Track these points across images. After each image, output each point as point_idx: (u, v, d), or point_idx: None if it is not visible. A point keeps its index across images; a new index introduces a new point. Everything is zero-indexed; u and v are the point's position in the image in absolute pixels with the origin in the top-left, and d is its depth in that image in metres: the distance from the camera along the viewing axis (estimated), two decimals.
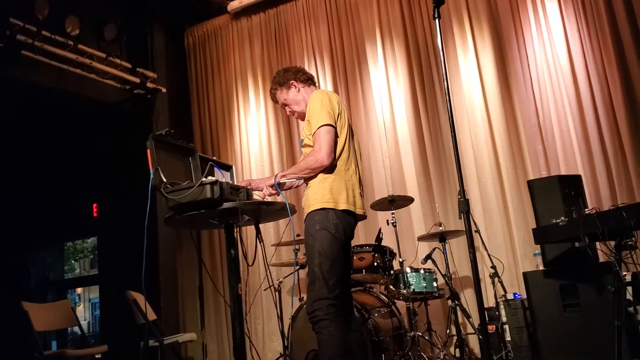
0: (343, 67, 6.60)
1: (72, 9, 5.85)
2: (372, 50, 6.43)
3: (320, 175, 3.01)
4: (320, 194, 2.96)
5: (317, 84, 3.48)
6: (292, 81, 3.34)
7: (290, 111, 3.41)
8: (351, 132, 3.23)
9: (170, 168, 3.01)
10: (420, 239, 5.35)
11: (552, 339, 4.06)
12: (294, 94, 3.35)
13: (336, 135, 3.03)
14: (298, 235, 4.79)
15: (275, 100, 3.46)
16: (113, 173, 6.82)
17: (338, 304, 2.82)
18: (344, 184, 3.00)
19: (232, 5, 7.18)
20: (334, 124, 3.02)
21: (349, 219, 3.00)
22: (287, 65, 6.76)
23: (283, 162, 6.74)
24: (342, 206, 2.95)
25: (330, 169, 3.00)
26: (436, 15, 2.60)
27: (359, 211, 3.07)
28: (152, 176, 2.78)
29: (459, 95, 5.92)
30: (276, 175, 3.03)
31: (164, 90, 6.84)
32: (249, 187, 3.01)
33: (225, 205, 2.78)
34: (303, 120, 3.23)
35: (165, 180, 2.81)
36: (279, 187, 3.01)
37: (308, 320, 2.84)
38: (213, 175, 2.99)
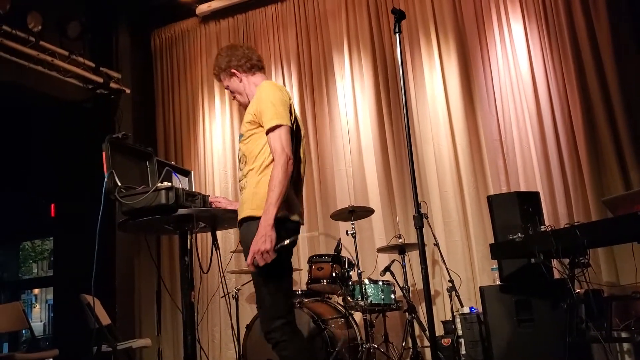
0: (309, 76, 6.60)
1: (35, 5, 5.73)
2: (339, 59, 6.44)
3: (255, 177, 2.70)
4: (254, 200, 2.66)
5: (264, 68, 3.11)
6: (233, 70, 2.99)
7: (232, 97, 3.10)
8: (300, 132, 2.91)
9: (127, 172, 2.96)
10: (380, 250, 5.36)
11: (506, 353, 4.10)
12: (236, 84, 3.02)
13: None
14: None
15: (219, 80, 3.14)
16: (72, 173, 6.67)
17: (292, 320, 2.67)
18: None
19: (201, 9, 7.12)
20: (291, 125, 2.73)
21: (292, 224, 2.71)
22: None
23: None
24: (280, 213, 2.60)
25: (269, 168, 2.66)
26: (397, 30, 2.61)
27: (300, 221, 2.78)
28: (106, 180, 2.73)
29: (424, 108, 5.96)
30: (264, 226, 2.52)
31: (127, 91, 6.75)
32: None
33: (180, 211, 2.74)
34: (245, 107, 2.96)
35: (119, 184, 2.76)
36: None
37: (266, 341, 2.66)
38: (170, 181, 2.96)
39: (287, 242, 2.57)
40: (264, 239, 2.49)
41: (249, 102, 2.93)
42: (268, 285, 2.64)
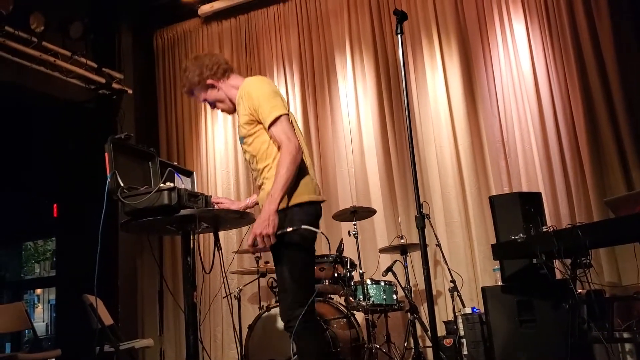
0: (312, 76, 6.60)
1: (38, 5, 5.73)
2: (341, 60, 6.45)
3: (273, 172, 2.68)
4: None
5: (233, 68, 3.03)
6: (209, 80, 2.93)
7: (212, 107, 3.05)
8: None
9: (129, 172, 2.96)
10: (382, 251, 5.36)
11: (508, 353, 4.10)
12: (215, 94, 2.97)
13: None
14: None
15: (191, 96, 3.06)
16: (75, 173, 6.67)
17: (313, 309, 2.68)
18: (301, 173, 2.71)
19: (203, 9, 7.13)
20: (288, 112, 2.74)
21: (314, 209, 2.75)
22: (257, 71, 6.79)
23: (248, 168, 6.69)
24: (305, 198, 2.70)
25: None
26: (399, 31, 2.62)
27: (320, 198, 2.82)
28: (108, 180, 2.73)
29: (426, 109, 5.97)
30: (268, 211, 2.57)
31: (130, 91, 6.75)
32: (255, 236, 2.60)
33: (183, 212, 2.74)
34: (230, 114, 2.99)
35: (122, 184, 2.76)
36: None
37: (285, 330, 2.69)
38: (172, 181, 2.96)
39: (303, 227, 2.62)
40: (266, 223, 2.54)
41: (233, 106, 2.94)
42: (291, 272, 2.66)
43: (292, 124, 2.77)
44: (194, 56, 3.02)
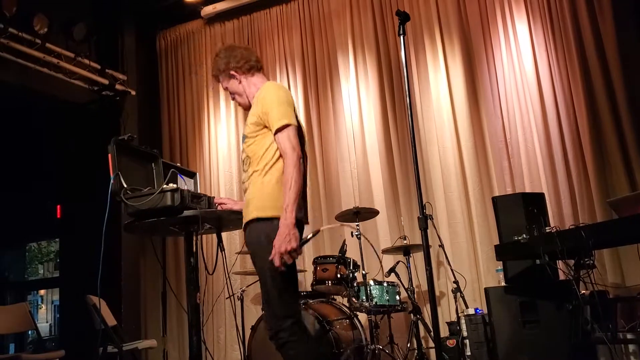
0: (314, 77, 6.61)
1: (41, 7, 5.75)
2: (343, 61, 6.46)
3: (259, 179, 2.69)
4: (260, 201, 2.67)
5: (262, 69, 3.08)
6: (232, 71, 2.96)
7: (232, 98, 3.07)
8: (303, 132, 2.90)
9: (132, 173, 2.98)
10: (385, 251, 5.36)
11: (511, 354, 4.10)
12: (235, 85, 2.98)
13: None
14: None
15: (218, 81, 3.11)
16: (78, 174, 6.69)
17: (301, 319, 2.66)
18: None
19: (206, 11, 7.14)
20: (297, 125, 2.74)
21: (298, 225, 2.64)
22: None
23: None
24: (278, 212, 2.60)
25: (274, 169, 2.69)
26: (401, 32, 2.61)
27: (304, 220, 2.75)
28: (112, 181, 2.74)
29: (429, 109, 5.97)
30: (286, 225, 2.50)
31: (133, 92, 6.76)
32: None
33: (186, 213, 2.75)
34: (246, 110, 2.97)
35: (125, 186, 2.78)
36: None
37: (271, 340, 2.63)
38: (175, 183, 2.98)
39: (310, 236, 2.60)
40: (288, 238, 2.48)
41: (249, 103, 2.93)
42: (277, 285, 2.61)
43: (300, 136, 2.74)
44: (229, 45, 3.08)
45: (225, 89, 3.04)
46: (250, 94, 2.93)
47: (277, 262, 2.50)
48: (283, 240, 2.48)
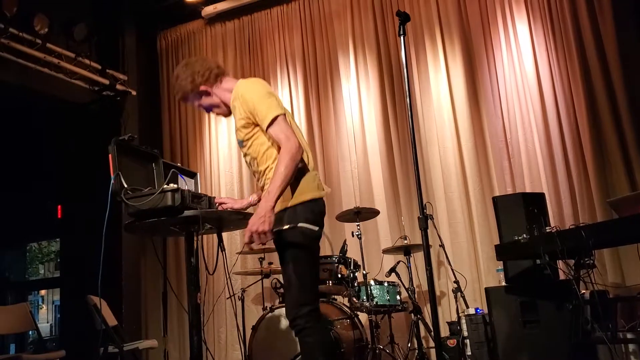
0: (315, 77, 6.61)
1: (42, 7, 5.75)
2: (344, 61, 6.46)
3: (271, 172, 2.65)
4: (286, 192, 2.63)
5: (225, 72, 2.97)
6: (202, 87, 2.86)
7: (208, 111, 2.99)
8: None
9: (133, 174, 2.98)
10: (385, 251, 5.36)
11: (512, 354, 4.10)
12: (209, 100, 2.91)
13: None
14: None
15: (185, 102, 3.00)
16: (79, 175, 6.70)
17: (318, 307, 2.67)
18: (302, 171, 2.70)
19: (207, 11, 7.14)
20: (284, 112, 2.71)
21: (317, 207, 2.71)
22: (260, 72, 6.79)
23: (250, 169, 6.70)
24: (308, 196, 2.67)
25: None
26: (401, 32, 2.62)
27: (322, 193, 2.77)
28: (112, 182, 2.75)
29: (429, 109, 5.97)
30: (265, 207, 2.50)
31: (134, 92, 6.76)
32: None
33: (186, 213, 2.75)
34: (227, 117, 2.94)
35: (126, 186, 2.78)
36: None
37: (290, 327, 2.66)
38: (176, 183, 2.97)
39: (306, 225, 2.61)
40: (262, 220, 2.48)
41: (228, 110, 2.89)
42: (297, 270, 2.63)
43: (289, 122, 2.75)
44: (184, 62, 2.96)
45: (199, 106, 2.97)
46: (226, 101, 2.88)
47: (246, 239, 2.52)
48: (257, 221, 2.48)
